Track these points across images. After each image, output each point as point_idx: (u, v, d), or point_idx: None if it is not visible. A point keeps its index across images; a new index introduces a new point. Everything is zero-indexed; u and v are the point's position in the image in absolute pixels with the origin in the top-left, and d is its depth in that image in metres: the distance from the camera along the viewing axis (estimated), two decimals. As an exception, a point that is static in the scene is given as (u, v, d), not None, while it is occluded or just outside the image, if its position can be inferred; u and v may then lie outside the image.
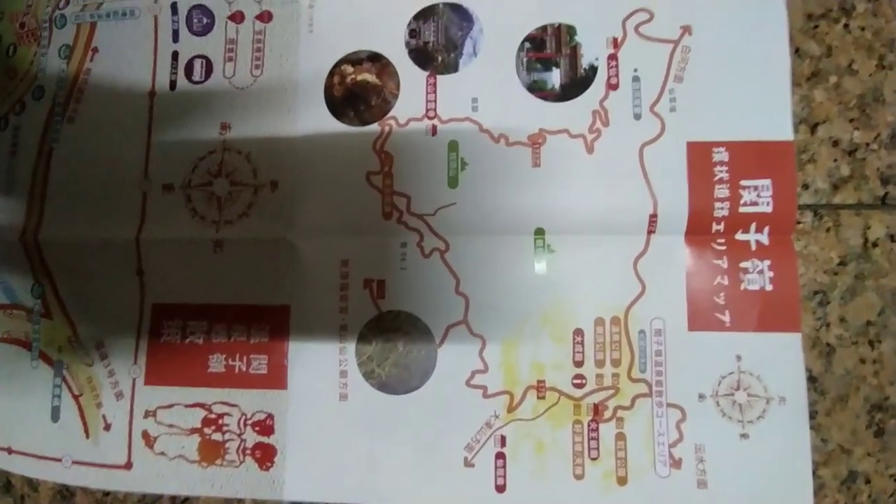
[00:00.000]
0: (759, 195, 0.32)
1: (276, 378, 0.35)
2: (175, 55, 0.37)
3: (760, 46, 0.33)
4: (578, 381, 0.33)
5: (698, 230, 0.33)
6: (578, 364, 0.33)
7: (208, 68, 0.37)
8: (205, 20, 0.37)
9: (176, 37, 0.37)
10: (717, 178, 0.33)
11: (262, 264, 0.35)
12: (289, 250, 0.35)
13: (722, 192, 0.33)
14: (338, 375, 0.34)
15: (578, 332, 0.33)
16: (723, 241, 0.33)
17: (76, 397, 0.36)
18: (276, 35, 0.37)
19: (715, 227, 0.33)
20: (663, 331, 0.33)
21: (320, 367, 0.34)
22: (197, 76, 0.37)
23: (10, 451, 0.36)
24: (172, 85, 0.37)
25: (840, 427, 0.32)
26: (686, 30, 0.34)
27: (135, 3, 0.38)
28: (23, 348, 0.37)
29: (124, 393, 0.36)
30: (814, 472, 0.31)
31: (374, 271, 0.34)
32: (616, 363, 0.33)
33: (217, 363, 0.35)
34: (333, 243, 0.35)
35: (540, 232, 0.33)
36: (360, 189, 0.35)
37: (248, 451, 0.34)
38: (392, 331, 0.34)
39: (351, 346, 0.34)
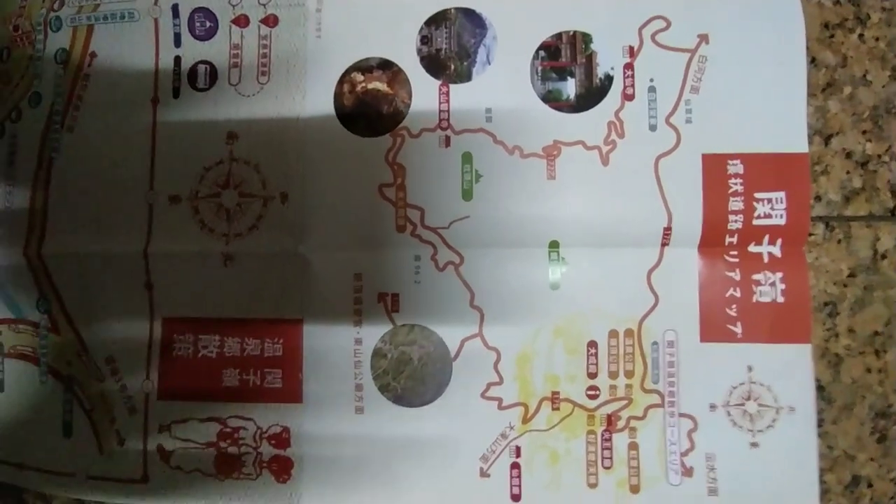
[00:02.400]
0: (772, 208, 0.31)
1: (291, 392, 0.33)
2: (178, 60, 0.34)
3: (778, 56, 0.31)
4: (592, 393, 0.32)
5: (712, 242, 0.31)
6: (592, 375, 0.32)
7: (213, 75, 0.34)
8: (208, 24, 0.34)
9: (178, 41, 0.34)
10: (731, 191, 0.31)
11: (273, 278, 0.33)
12: (301, 264, 0.32)
13: (736, 204, 0.31)
14: (353, 389, 0.32)
15: (592, 345, 0.32)
16: (736, 253, 0.31)
17: (88, 412, 0.34)
18: (282, 40, 0.33)
19: (728, 239, 0.31)
20: (676, 342, 0.31)
21: (335, 380, 0.32)
22: (201, 83, 0.34)
23: (21, 466, 0.34)
24: (176, 92, 0.34)
25: (845, 434, 0.31)
26: (703, 38, 0.31)
27: (134, 6, 0.34)
28: (31, 363, 0.34)
29: (137, 408, 0.34)
30: (819, 478, 0.30)
31: (388, 285, 0.32)
32: (629, 374, 0.32)
33: (231, 377, 0.33)
34: (346, 257, 0.32)
35: (554, 244, 0.31)
36: (372, 201, 0.32)
37: (264, 464, 0.32)
38: (407, 344, 0.32)
39: (366, 360, 0.32)
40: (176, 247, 0.33)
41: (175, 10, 0.34)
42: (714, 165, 0.31)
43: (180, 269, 0.33)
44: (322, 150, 0.33)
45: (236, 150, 0.33)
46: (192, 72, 0.34)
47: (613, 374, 0.32)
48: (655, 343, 0.32)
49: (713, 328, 0.31)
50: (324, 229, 0.32)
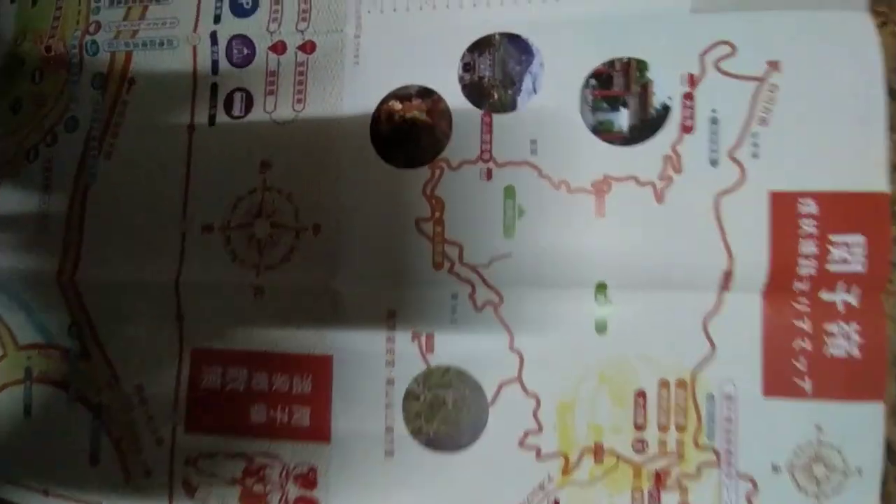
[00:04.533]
0: (850, 252, 0.23)
1: (318, 430, 0.26)
2: (214, 88, 0.28)
3: (854, 87, 0.24)
4: (639, 446, 0.24)
5: (778, 288, 0.24)
6: (640, 427, 0.24)
7: (248, 102, 0.28)
8: (245, 51, 0.28)
9: (215, 68, 0.28)
10: (803, 233, 0.23)
11: (304, 313, 0.26)
12: (333, 299, 0.26)
13: (808, 248, 0.23)
14: (383, 431, 0.25)
15: (641, 394, 0.24)
16: (806, 301, 0.23)
17: (116, 441, 0.28)
18: (319, 67, 0.27)
19: (797, 285, 0.24)
20: (735, 396, 0.24)
21: (365, 421, 0.26)
22: (237, 110, 0.28)
23: (46, 493, 0.28)
24: (212, 119, 0.28)
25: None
26: (773, 66, 0.24)
27: (173, 33, 0.28)
28: (60, 389, 0.29)
29: (164, 439, 0.28)
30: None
31: (423, 324, 0.26)
32: (681, 428, 0.24)
33: (258, 413, 0.27)
34: (380, 293, 0.26)
35: (602, 286, 0.24)
36: (409, 236, 0.25)
37: (290, 506, 0.26)
38: (441, 386, 0.25)
39: (398, 401, 0.26)
40: (207, 278, 0.27)
41: (213, 37, 0.28)
42: (783, 204, 0.24)
43: (211, 300, 0.27)
44: (357, 180, 0.26)
45: (269, 179, 0.27)
46: (229, 99, 0.28)
47: (663, 427, 0.24)
48: (711, 396, 0.24)
49: (778, 382, 0.24)
50: (357, 263, 0.26)
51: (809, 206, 0.25)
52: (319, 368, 0.28)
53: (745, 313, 0.25)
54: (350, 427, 0.27)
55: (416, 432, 0.27)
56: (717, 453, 0.25)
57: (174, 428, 0.29)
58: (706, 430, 0.25)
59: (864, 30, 0.24)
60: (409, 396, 0.27)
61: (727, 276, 0.25)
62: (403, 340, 0.27)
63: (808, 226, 0.25)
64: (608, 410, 0.26)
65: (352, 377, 0.27)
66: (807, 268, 0.25)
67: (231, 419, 0.28)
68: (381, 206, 0.27)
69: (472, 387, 0.27)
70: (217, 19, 0.29)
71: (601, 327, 0.26)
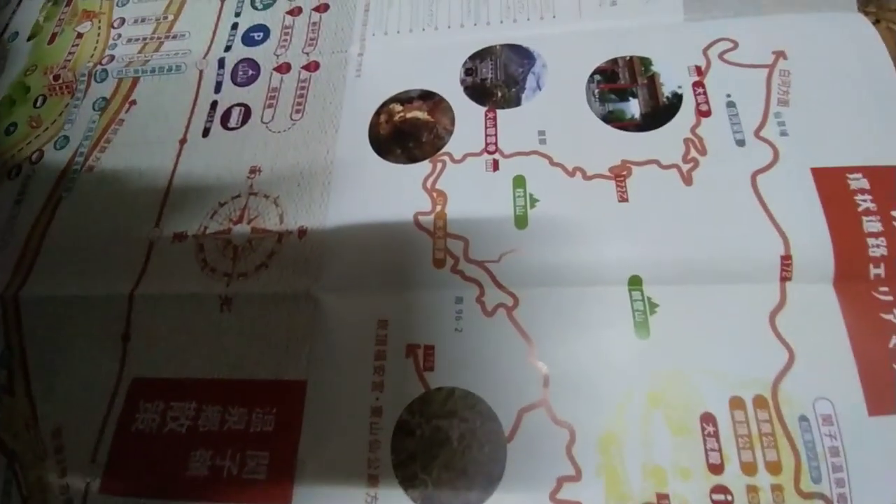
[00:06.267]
0: None
1: (277, 488, 0.16)
2: (214, 104, 0.24)
3: (863, 70, 0.20)
4: (721, 498, 0.14)
5: (851, 275, 0.17)
6: (716, 469, 0.15)
7: (246, 115, 0.23)
8: (250, 72, 0.24)
9: (218, 88, 0.24)
10: (862, 209, 0.16)
11: (276, 327, 0.19)
12: (311, 308, 0.18)
13: (873, 225, 0.16)
14: (365, 482, 0.16)
15: (708, 419, 0.15)
16: (887, 288, 0.16)
17: (24, 500, 0.17)
18: (321, 81, 0.23)
19: (874, 270, 0.16)
20: (835, 416, 0.14)
21: (342, 469, 0.16)
22: (233, 123, 0.23)
23: None
24: (206, 132, 0.23)
25: None
26: (779, 55, 0.20)
27: (182, 59, 0.25)
28: None
29: (73, 501, 0.16)
30: None
31: (421, 334, 0.18)
32: (774, 468, 0.15)
33: (200, 462, 0.17)
34: (369, 299, 0.19)
35: (636, 281, 0.17)
36: (406, 232, 0.19)
37: None
38: (443, 416, 0.16)
39: (386, 438, 0.17)
40: (168, 288, 0.20)
41: (221, 62, 0.24)
42: (831, 181, 0.18)
43: (167, 315, 0.20)
44: (352, 179, 0.21)
45: (256, 184, 0.21)
46: (227, 113, 0.23)
47: (749, 468, 0.15)
48: (805, 418, 0.15)
49: (884, 395, 0.15)
50: (344, 266, 0.19)
51: (860, 181, 0.19)
52: (288, 397, 0.19)
53: (819, 307, 0.18)
54: (320, 479, 0.17)
55: (409, 483, 0.17)
56: (828, 501, 0.15)
57: (87, 487, 0.18)
58: (809, 469, 0.16)
59: (859, 24, 0.21)
60: (402, 430, 0.18)
61: (786, 263, 0.18)
62: (396, 356, 0.19)
63: (865, 201, 0.18)
64: (668, 444, 0.17)
65: (328, 407, 0.19)
66: (878, 248, 0.18)
67: (162, 474, 0.18)
68: (376, 203, 0.22)
69: (483, 415, 0.18)
70: (228, 48, 0.26)
71: (642, 331, 0.18)
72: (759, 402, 0.18)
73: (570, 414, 0.18)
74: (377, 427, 0.19)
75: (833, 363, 0.18)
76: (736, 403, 0.18)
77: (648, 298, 0.19)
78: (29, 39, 0.29)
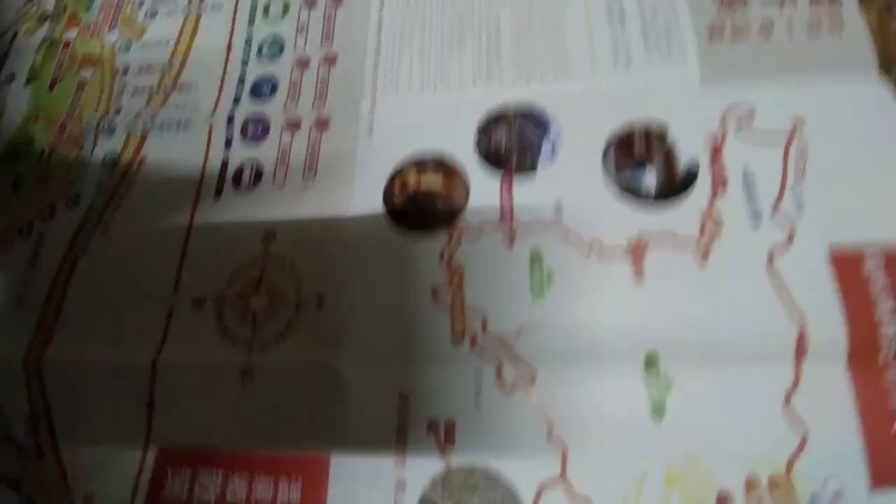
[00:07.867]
0: None
1: None
2: (225, 163, 0.23)
3: (882, 139, 0.19)
4: None
5: (863, 355, 0.17)
6: None
7: (257, 175, 0.23)
8: (260, 129, 0.23)
9: (228, 144, 0.24)
10: (877, 288, 0.17)
11: (299, 400, 0.20)
12: (333, 381, 0.19)
13: (887, 304, 0.16)
14: None
15: (725, 499, 0.15)
16: None
17: None
18: (333, 140, 0.23)
19: (885, 352, 0.16)
20: (842, 493, 0.15)
21: None
22: (245, 184, 0.22)
23: None
24: (218, 193, 0.23)
25: None
26: (798, 120, 0.19)
27: (191, 115, 0.24)
28: (11, 489, 0.20)
29: None
30: None
31: (442, 410, 0.18)
32: None
33: None
34: (389, 373, 0.19)
35: (652, 358, 0.17)
36: (423, 306, 0.19)
37: None
38: (466, 490, 0.17)
39: None
40: (190, 357, 0.21)
41: (230, 118, 0.24)
42: (846, 258, 0.19)
43: (190, 385, 0.20)
44: (367, 249, 0.21)
45: (272, 249, 0.21)
46: (238, 172, 0.23)
47: None
48: (815, 497, 0.15)
49: (886, 469, 0.15)
50: (363, 339, 0.20)
51: (876, 259, 0.19)
52: (313, 469, 0.19)
53: (831, 387, 0.18)
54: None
55: (433, 561, 0.18)
56: (839, 585, 0.16)
57: (120, 561, 0.19)
58: (818, 549, 0.16)
59: (876, 90, 0.21)
60: (425, 507, 0.18)
61: (801, 342, 0.18)
62: (417, 432, 0.19)
63: (880, 279, 0.19)
64: (683, 523, 0.17)
65: (352, 480, 0.19)
66: (893, 327, 0.18)
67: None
68: (392, 275, 0.21)
69: (503, 491, 0.18)
70: (237, 101, 0.26)
71: (658, 410, 0.18)
72: (774, 483, 0.18)
73: (590, 488, 0.19)
74: (401, 502, 0.19)
75: (841, 441, 0.18)
76: (751, 485, 0.18)
77: (665, 375, 0.20)
78: (27, 84, 0.28)
